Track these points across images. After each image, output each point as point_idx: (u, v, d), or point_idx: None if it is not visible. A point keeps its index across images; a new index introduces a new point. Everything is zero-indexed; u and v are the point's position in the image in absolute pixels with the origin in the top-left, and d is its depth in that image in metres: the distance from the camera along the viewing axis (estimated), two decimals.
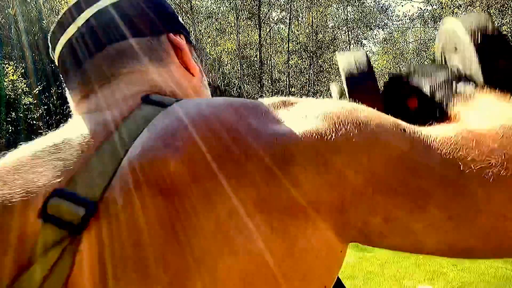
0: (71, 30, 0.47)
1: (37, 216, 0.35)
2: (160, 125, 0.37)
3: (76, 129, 0.41)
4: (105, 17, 0.47)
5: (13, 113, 9.75)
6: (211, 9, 17.34)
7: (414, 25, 19.14)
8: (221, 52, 17.00)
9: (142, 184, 0.33)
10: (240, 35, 15.91)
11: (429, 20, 16.13)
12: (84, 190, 0.35)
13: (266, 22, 16.82)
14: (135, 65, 0.46)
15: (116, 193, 0.34)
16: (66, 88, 0.51)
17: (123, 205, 0.33)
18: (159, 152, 0.34)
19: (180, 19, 0.53)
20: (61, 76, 0.51)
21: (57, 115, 16.37)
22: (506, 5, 12.41)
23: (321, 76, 17.94)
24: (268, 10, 16.74)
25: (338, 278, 0.43)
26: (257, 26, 15.54)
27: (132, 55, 0.46)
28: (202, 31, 16.30)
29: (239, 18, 15.69)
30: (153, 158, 0.34)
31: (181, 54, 0.50)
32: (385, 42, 21.22)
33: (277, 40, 18.33)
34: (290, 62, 16.69)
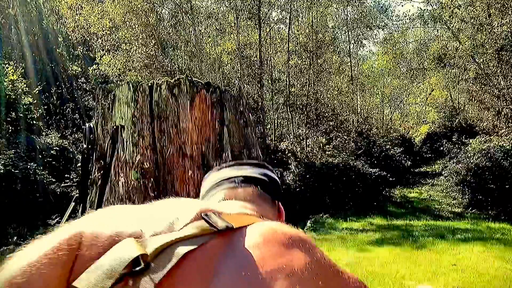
0: None
1: None
2: None
3: None
4: None
5: (13, 113, 9.74)
6: (211, 9, 17.32)
7: (414, 25, 19.12)
8: (221, 52, 16.99)
9: None
10: (240, 35, 15.90)
11: (429, 20, 16.11)
12: None
13: (266, 22, 16.80)
14: None
15: None
16: None
17: None
18: None
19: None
20: None
21: (57, 115, 16.36)
22: (506, 5, 12.40)
23: (321, 76, 17.92)
24: (268, 10, 16.72)
25: None
26: (257, 26, 15.53)
27: None
28: (202, 31, 16.28)
29: (239, 18, 15.68)
30: None
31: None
32: (385, 42, 21.21)
33: (277, 40, 18.31)
34: (290, 62, 16.68)
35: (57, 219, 7.20)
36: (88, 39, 15.78)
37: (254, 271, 0.43)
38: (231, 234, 0.49)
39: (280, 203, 0.78)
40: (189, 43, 15.47)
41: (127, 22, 14.18)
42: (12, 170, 7.48)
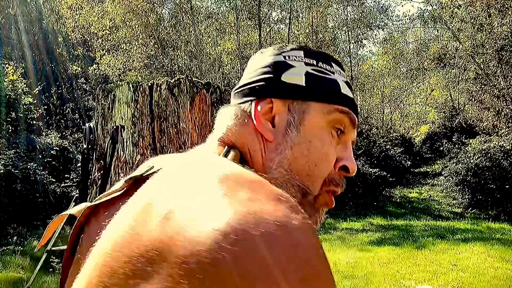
0: None
1: None
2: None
3: None
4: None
5: (13, 113, 9.74)
6: (211, 9, 17.33)
7: (414, 25, 19.13)
8: (221, 52, 16.99)
9: None
10: (240, 35, 15.90)
11: (429, 20, 16.11)
12: None
13: (266, 22, 16.81)
14: None
15: None
16: None
17: None
18: None
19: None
20: None
21: (57, 115, 16.36)
22: (506, 5, 12.40)
23: None
24: (268, 10, 16.73)
25: None
26: (257, 26, 15.53)
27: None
28: (202, 31, 16.29)
29: (239, 18, 15.68)
30: None
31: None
32: (385, 42, 21.21)
33: (277, 40, 18.31)
34: None
35: None
36: (88, 39, 15.79)
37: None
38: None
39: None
40: (189, 43, 15.47)
41: (127, 22, 14.19)
42: (12, 170, 7.48)
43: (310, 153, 0.56)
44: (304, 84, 0.58)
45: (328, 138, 0.58)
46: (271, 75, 0.60)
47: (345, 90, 0.61)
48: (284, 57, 0.61)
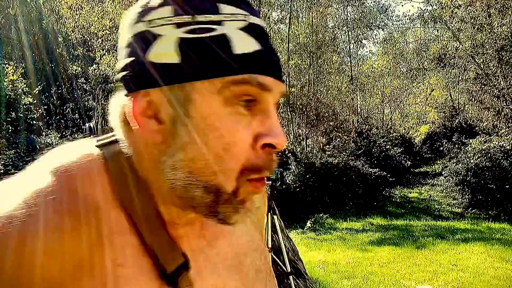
0: None
1: None
2: None
3: None
4: None
5: (13, 113, 9.74)
6: None
7: (414, 25, 19.12)
8: None
9: None
10: None
11: (429, 20, 16.10)
12: None
13: (266, 22, 16.82)
14: None
15: None
16: None
17: None
18: None
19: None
20: None
21: (57, 115, 16.36)
22: (506, 5, 12.40)
23: (321, 76, 17.92)
24: (268, 10, 16.72)
25: None
26: None
27: None
28: None
29: None
30: None
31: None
32: (385, 42, 21.21)
33: (277, 40, 18.32)
34: (290, 62, 16.68)
35: None
36: (88, 39, 15.79)
37: None
38: None
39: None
40: None
41: None
42: (12, 170, 7.48)
43: (209, 148, 0.44)
44: (178, 61, 0.43)
45: (233, 119, 0.45)
46: (134, 58, 0.45)
47: (240, 44, 0.44)
48: (147, 23, 0.45)
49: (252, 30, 0.46)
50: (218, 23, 0.44)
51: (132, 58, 0.45)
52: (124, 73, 0.46)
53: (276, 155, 0.48)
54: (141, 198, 0.48)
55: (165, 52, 0.43)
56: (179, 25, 0.44)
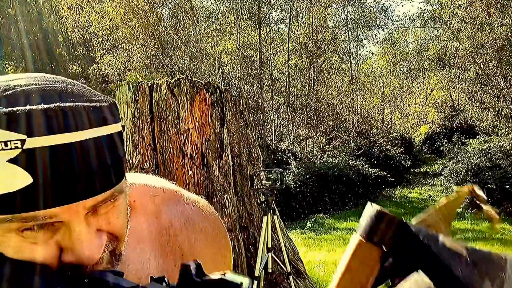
0: None
1: None
2: None
3: None
4: None
5: None
6: (211, 9, 17.33)
7: (414, 25, 19.13)
8: (221, 52, 16.99)
9: None
10: (240, 35, 15.90)
11: (429, 20, 16.11)
12: None
13: (266, 22, 16.82)
14: None
15: None
16: None
17: None
18: None
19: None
20: None
21: None
22: (506, 5, 12.40)
23: (321, 76, 17.93)
24: (268, 10, 16.73)
25: None
26: (257, 26, 15.53)
27: None
28: (202, 31, 16.29)
29: (239, 18, 15.68)
30: None
31: None
32: (385, 42, 21.22)
33: (277, 40, 18.32)
34: (290, 62, 16.68)
35: None
36: (88, 39, 15.79)
37: None
38: None
39: None
40: (189, 43, 15.47)
41: (127, 22, 14.19)
42: None
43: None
44: None
45: (28, 240, 0.42)
46: None
47: (5, 183, 0.38)
48: None
49: (27, 158, 0.38)
50: None
51: None
52: None
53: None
54: None
55: None
56: None
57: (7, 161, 0.37)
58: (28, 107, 0.38)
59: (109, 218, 0.47)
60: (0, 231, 0.41)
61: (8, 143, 0.37)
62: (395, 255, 0.44)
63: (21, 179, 0.38)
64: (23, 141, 0.38)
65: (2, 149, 0.37)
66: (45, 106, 0.39)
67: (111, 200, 0.45)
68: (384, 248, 0.44)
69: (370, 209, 0.47)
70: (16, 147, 0.38)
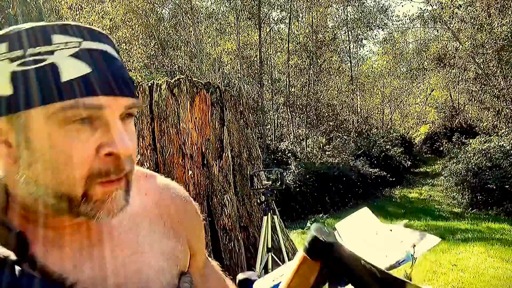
0: None
1: None
2: None
3: None
4: None
5: None
6: (211, 9, 17.33)
7: (414, 25, 19.13)
8: (221, 52, 17.00)
9: None
10: (240, 35, 15.91)
11: (429, 20, 16.12)
12: None
13: (266, 22, 16.82)
14: None
15: None
16: None
17: None
18: None
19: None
20: None
21: None
22: (506, 5, 12.40)
23: (321, 76, 17.93)
24: (268, 10, 16.73)
25: None
26: (257, 26, 15.53)
27: None
28: (202, 31, 16.29)
29: (239, 18, 15.68)
30: None
31: None
32: (385, 42, 21.22)
33: (277, 40, 18.32)
34: (290, 62, 16.68)
35: None
36: None
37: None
38: None
39: None
40: (189, 43, 15.47)
41: (127, 22, 14.19)
42: None
43: (51, 163, 0.50)
44: (10, 93, 0.48)
45: (70, 135, 0.50)
46: None
47: (69, 71, 0.49)
48: None
49: (83, 55, 0.50)
50: (50, 53, 0.49)
51: None
52: None
53: (126, 159, 0.53)
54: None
55: (0, 85, 0.49)
56: (12, 60, 0.49)
57: (68, 55, 0.49)
58: (78, 23, 0.53)
59: (130, 133, 0.55)
60: (53, 126, 0.49)
61: (69, 43, 0.50)
62: (328, 268, 0.61)
63: (81, 68, 0.49)
64: (80, 43, 0.51)
65: (65, 48, 0.49)
66: (91, 26, 0.54)
67: (131, 114, 0.55)
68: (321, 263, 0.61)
69: (310, 233, 0.62)
70: (75, 47, 0.50)
